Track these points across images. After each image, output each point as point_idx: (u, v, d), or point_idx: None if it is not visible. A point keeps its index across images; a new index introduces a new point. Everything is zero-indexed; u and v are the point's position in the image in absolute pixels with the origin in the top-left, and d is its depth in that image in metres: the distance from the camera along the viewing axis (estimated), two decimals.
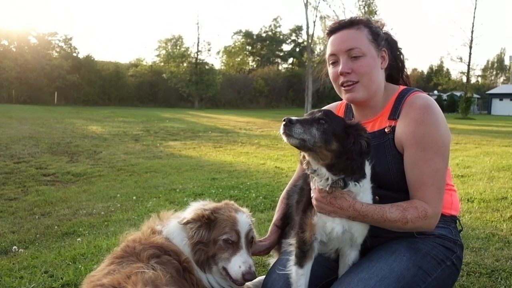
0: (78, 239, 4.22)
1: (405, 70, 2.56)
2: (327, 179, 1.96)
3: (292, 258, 2.13)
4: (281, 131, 1.86)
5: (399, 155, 2.21)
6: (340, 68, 2.26)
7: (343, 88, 2.31)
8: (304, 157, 2.02)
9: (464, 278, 3.05)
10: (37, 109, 32.32)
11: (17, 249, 3.95)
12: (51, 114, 27.18)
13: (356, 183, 1.98)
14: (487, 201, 5.52)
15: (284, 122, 1.85)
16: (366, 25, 2.30)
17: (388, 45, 2.38)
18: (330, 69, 2.37)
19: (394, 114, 2.25)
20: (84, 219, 5.01)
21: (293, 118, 1.86)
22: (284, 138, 1.87)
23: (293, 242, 2.15)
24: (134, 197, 6.03)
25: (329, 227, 2.03)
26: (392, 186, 2.18)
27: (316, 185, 2.02)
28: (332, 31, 2.35)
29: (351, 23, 2.30)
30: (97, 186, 6.96)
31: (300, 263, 2.08)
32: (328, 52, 2.35)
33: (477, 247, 3.72)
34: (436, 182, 2.12)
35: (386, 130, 2.24)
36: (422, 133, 2.12)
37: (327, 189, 1.97)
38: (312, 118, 1.93)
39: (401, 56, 2.51)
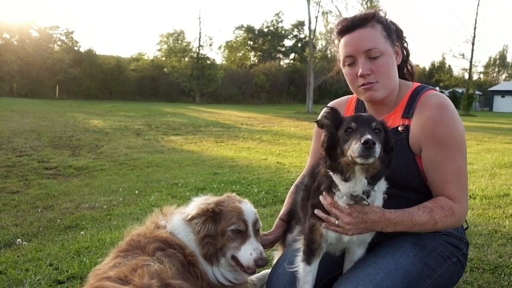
0: (81, 233, 4.23)
1: (409, 59, 2.51)
2: (372, 182, 1.87)
3: (300, 254, 2.12)
4: (361, 153, 1.70)
5: (411, 155, 2.18)
6: (360, 70, 2.18)
7: (361, 88, 2.24)
8: (347, 165, 1.83)
9: (467, 274, 3.06)
10: (39, 103, 32.32)
11: (21, 242, 3.96)
12: (53, 107, 27.17)
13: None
14: (489, 198, 5.54)
15: (367, 145, 1.68)
16: (378, 20, 2.23)
17: (397, 35, 2.33)
18: (347, 70, 2.29)
19: (408, 113, 2.22)
20: (86, 212, 5.01)
21: (371, 138, 1.69)
22: (362, 160, 1.71)
23: (301, 239, 2.13)
24: (137, 191, 6.04)
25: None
26: (401, 185, 2.15)
27: (345, 206, 1.91)
28: (345, 30, 2.25)
29: (364, 21, 2.21)
30: (99, 180, 6.96)
31: (308, 260, 2.08)
32: (343, 53, 2.25)
33: (480, 243, 3.73)
34: (459, 179, 2.11)
35: (399, 128, 2.21)
36: (442, 132, 2.10)
37: (367, 202, 1.90)
38: (371, 129, 1.80)
39: (406, 45, 2.45)
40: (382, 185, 1.99)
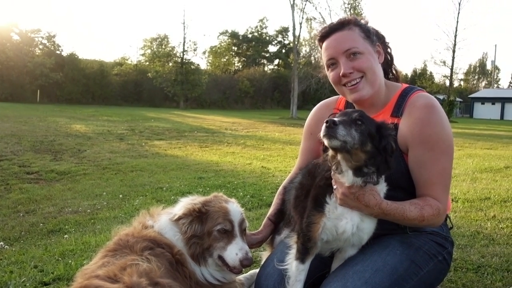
0: (65, 236, 4.17)
1: (393, 63, 2.58)
2: (358, 176, 1.91)
3: (293, 252, 2.12)
4: (323, 133, 1.78)
5: (400, 153, 2.21)
6: (342, 70, 2.25)
7: (347, 88, 2.29)
8: (333, 157, 1.93)
9: (452, 273, 3.11)
10: (19, 107, 31.79)
11: (3, 246, 3.89)
12: (34, 112, 26.73)
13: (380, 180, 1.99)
14: (471, 201, 5.64)
15: (327, 124, 1.76)
16: (356, 23, 2.31)
17: (379, 40, 2.40)
18: (330, 73, 2.36)
19: (397, 112, 2.27)
20: (69, 216, 4.95)
21: (336, 119, 1.78)
22: (326, 141, 1.79)
23: (295, 237, 2.13)
24: (121, 196, 5.98)
25: (340, 229, 2.01)
26: (391, 184, 2.17)
27: (344, 180, 1.94)
28: (324, 36, 2.35)
29: (341, 25, 2.31)
30: (82, 184, 6.88)
31: (302, 258, 2.08)
32: (325, 57, 2.34)
33: (463, 244, 3.80)
34: (443, 180, 2.16)
35: None
36: (429, 133, 2.14)
37: (360, 183, 1.92)
38: (349, 119, 1.86)
39: (389, 50, 2.53)
40: (382, 185, 2.03)
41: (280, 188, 2.71)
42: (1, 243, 3.95)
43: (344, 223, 2.00)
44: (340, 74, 2.26)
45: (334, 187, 2.01)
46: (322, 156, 2.03)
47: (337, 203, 2.01)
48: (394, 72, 2.59)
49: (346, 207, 2.00)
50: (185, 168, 8.55)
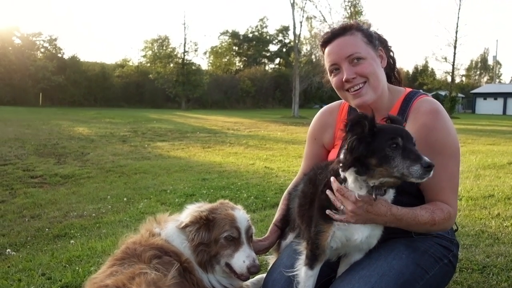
0: (71, 241, 4.19)
1: (396, 66, 2.59)
2: (370, 188, 1.88)
3: (302, 258, 2.12)
4: (422, 175, 1.72)
5: None
6: (344, 75, 2.25)
7: (350, 93, 2.30)
8: (381, 177, 1.83)
9: (457, 274, 3.10)
10: (22, 111, 31.90)
11: (10, 252, 3.91)
12: (37, 115, 26.82)
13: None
14: (474, 199, 5.63)
15: (429, 168, 1.70)
16: (358, 28, 2.32)
17: (381, 44, 2.41)
18: (333, 78, 2.37)
19: (401, 117, 2.24)
20: (75, 221, 4.96)
21: (432, 162, 1.72)
22: (417, 180, 1.75)
23: (303, 243, 2.14)
24: (125, 199, 5.99)
25: (352, 237, 1.99)
26: (397, 189, 2.13)
27: (353, 195, 1.89)
28: (326, 41, 2.36)
29: (343, 30, 2.31)
30: (86, 187, 6.90)
31: (310, 264, 2.08)
32: (327, 63, 2.35)
33: (468, 244, 3.80)
34: (452, 184, 2.17)
35: None
36: (435, 139, 2.15)
37: (373, 196, 1.89)
38: (414, 145, 1.82)
39: (392, 53, 2.54)
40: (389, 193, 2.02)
41: (285, 193, 2.72)
42: (8, 249, 3.97)
43: (356, 234, 1.99)
44: (343, 79, 2.27)
45: (341, 207, 1.94)
46: (340, 164, 1.93)
47: (350, 222, 1.95)
48: (396, 75, 2.60)
49: (360, 223, 1.96)
50: (189, 169, 8.57)
